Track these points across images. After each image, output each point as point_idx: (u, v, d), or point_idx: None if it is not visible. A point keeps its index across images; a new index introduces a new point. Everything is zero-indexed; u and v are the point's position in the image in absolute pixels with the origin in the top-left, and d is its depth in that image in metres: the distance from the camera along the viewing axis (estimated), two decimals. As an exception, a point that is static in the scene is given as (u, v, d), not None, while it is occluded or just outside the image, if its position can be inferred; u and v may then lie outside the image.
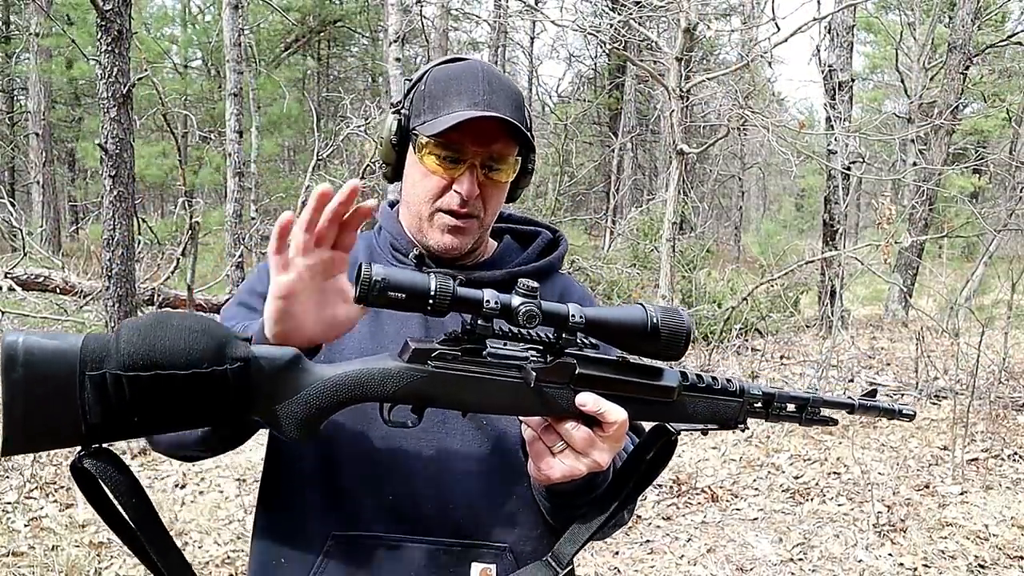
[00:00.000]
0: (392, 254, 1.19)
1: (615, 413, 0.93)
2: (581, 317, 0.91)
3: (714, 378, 1.02)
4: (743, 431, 1.03)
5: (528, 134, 1.10)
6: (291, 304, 0.88)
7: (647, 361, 0.98)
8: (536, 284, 0.90)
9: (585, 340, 0.94)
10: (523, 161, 1.18)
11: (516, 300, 0.89)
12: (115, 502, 0.83)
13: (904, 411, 1.13)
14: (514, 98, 1.12)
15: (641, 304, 0.95)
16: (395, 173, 1.20)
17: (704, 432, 1.03)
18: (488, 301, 0.87)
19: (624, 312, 0.94)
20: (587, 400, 0.92)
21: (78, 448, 0.82)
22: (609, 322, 0.93)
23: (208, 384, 0.80)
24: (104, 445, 0.83)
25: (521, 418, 0.99)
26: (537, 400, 0.93)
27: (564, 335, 0.92)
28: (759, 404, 1.04)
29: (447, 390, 0.91)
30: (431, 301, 0.85)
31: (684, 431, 1.01)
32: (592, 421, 0.94)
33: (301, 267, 0.86)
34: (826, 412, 1.08)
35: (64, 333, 0.81)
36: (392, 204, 1.24)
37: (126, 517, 0.84)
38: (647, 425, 1.05)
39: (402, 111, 1.15)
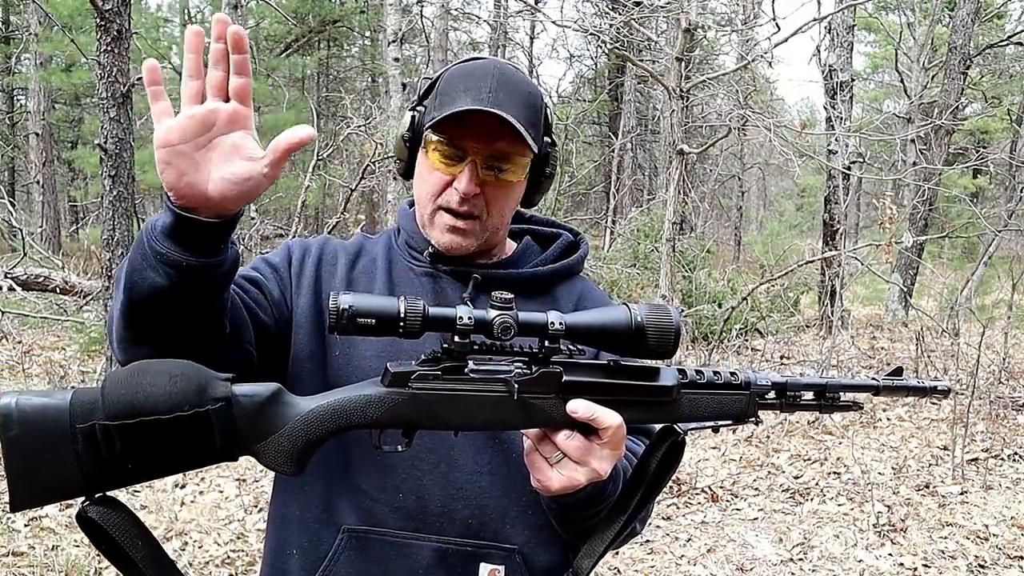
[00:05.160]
0: (408, 252, 1.19)
1: (608, 418, 0.90)
2: (561, 324, 0.89)
3: (716, 372, 0.97)
4: (757, 424, 0.98)
5: (526, 133, 1.05)
6: (173, 156, 0.84)
7: (641, 362, 0.95)
8: (511, 296, 0.89)
9: (572, 347, 0.91)
10: (540, 163, 1.15)
11: (491, 313, 0.87)
12: (124, 547, 0.85)
13: (938, 387, 1.03)
14: (526, 98, 1.09)
15: (625, 304, 0.92)
16: (407, 170, 1.20)
17: (715, 430, 0.98)
18: (461, 317, 0.86)
19: (606, 314, 0.91)
20: (578, 407, 0.90)
21: (82, 499, 0.85)
22: (591, 326, 0.90)
23: (192, 427, 0.82)
24: (108, 493, 0.85)
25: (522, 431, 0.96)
26: (525, 412, 0.91)
27: (547, 344, 0.90)
28: (771, 395, 0.98)
29: (431, 411, 0.89)
30: (402, 324, 0.85)
31: (692, 430, 0.97)
32: (588, 429, 0.92)
33: (186, 116, 0.84)
34: (848, 397, 1.01)
35: (54, 389, 0.84)
36: (411, 204, 1.24)
37: (136, 560, 0.86)
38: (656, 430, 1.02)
39: (418, 109, 1.15)
